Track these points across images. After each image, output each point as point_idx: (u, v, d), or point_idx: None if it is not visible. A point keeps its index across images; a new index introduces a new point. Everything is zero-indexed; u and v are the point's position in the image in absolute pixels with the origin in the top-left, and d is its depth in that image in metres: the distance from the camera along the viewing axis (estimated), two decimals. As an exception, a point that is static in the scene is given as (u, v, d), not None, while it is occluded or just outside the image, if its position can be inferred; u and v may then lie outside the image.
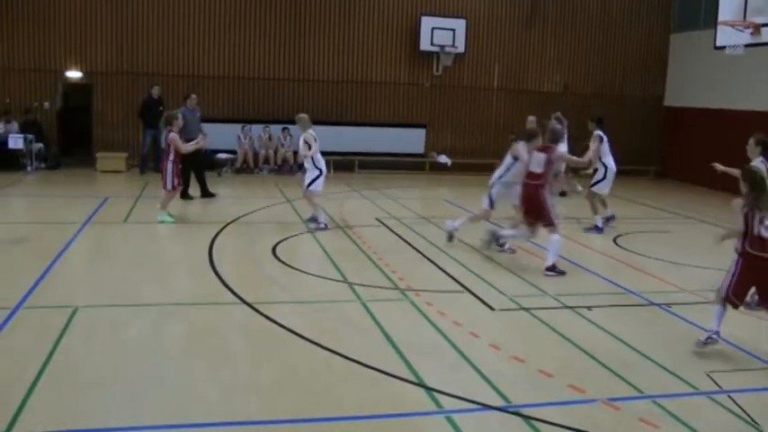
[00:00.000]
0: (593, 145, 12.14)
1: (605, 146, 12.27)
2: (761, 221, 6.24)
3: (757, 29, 12.42)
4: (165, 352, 6.20)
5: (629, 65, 21.54)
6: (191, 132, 13.34)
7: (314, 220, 11.56)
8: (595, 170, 12.40)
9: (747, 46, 12.89)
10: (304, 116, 11.76)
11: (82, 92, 19.12)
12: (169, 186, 11.66)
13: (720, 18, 13.28)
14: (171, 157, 11.64)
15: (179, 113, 12.66)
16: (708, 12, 18.31)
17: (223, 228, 11.28)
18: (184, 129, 13.21)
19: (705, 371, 6.14)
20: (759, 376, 6.22)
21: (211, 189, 14.34)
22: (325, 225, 11.48)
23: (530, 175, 9.41)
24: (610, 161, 12.25)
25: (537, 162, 9.35)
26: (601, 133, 12.33)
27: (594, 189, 12.29)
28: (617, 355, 6.51)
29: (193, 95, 14.56)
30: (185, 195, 13.55)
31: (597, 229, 12.10)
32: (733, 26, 12.84)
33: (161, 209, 11.61)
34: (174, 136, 11.67)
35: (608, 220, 12.43)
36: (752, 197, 6.35)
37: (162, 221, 11.46)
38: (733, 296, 6.51)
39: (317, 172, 11.39)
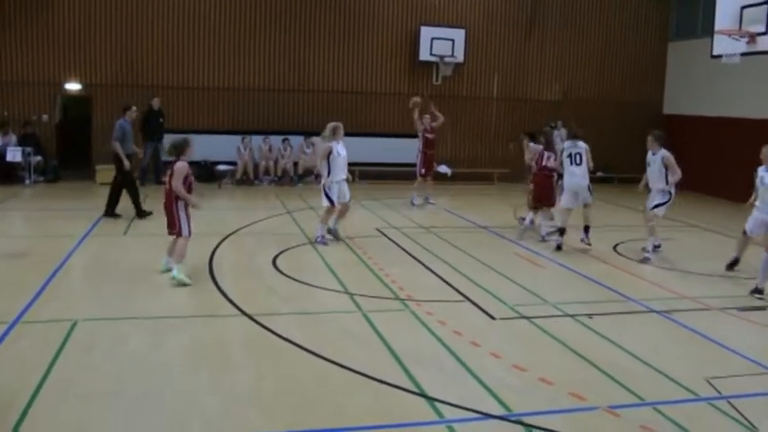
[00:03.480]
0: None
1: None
2: None
3: (753, 38, 12.45)
4: (165, 365, 6.19)
5: (628, 73, 21.60)
6: (129, 147, 13.03)
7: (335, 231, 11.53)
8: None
9: (743, 55, 12.93)
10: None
11: (81, 104, 19.18)
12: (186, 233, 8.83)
13: (717, 27, 13.32)
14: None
15: (121, 126, 12.90)
16: (705, 21, 18.41)
17: (223, 239, 11.28)
18: (125, 143, 12.90)
19: (705, 377, 6.14)
20: (757, 381, 6.24)
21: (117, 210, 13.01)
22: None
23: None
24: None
25: None
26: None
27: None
28: (618, 362, 6.51)
29: (134, 107, 13.59)
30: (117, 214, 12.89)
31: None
32: (729, 35, 12.88)
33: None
34: (183, 166, 8.70)
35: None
36: None
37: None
38: None
39: None
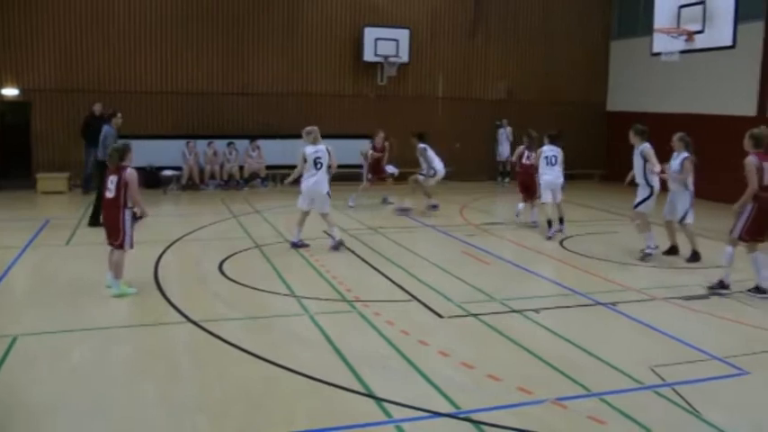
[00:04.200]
0: (420, 157, 14.47)
1: (431, 154, 14.43)
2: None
3: (691, 36, 12.79)
4: (110, 376, 6.05)
5: (572, 71, 21.91)
6: None
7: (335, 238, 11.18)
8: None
9: (682, 52, 13.26)
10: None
11: (19, 110, 18.59)
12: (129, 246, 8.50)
13: (656, 26, 13.63)
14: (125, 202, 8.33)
15: (110, 133, 12.29)
16: (645, 19, 18.81)
17: (169, 246, 11.09)
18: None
19: (650, 366, 6.26)
20: (699, 368, 6.38)
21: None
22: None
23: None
24: (437, 166, 14.46)
25: None
26: (424, 145, 14.46)
27: (421, 181, 14.69)
28: (564, 355, 6.59)
29: (119, 114, 13.11)
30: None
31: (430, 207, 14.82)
32: (668, 33, 13.18)
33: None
34: (135, 174, 8.40)
35: (433, 207, 14.66)
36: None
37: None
38: (746, 235, 8.54)
39: None
